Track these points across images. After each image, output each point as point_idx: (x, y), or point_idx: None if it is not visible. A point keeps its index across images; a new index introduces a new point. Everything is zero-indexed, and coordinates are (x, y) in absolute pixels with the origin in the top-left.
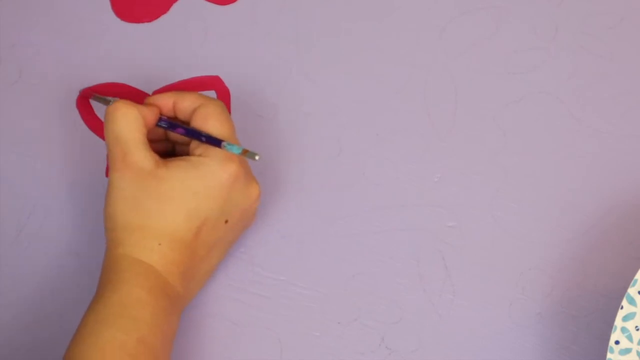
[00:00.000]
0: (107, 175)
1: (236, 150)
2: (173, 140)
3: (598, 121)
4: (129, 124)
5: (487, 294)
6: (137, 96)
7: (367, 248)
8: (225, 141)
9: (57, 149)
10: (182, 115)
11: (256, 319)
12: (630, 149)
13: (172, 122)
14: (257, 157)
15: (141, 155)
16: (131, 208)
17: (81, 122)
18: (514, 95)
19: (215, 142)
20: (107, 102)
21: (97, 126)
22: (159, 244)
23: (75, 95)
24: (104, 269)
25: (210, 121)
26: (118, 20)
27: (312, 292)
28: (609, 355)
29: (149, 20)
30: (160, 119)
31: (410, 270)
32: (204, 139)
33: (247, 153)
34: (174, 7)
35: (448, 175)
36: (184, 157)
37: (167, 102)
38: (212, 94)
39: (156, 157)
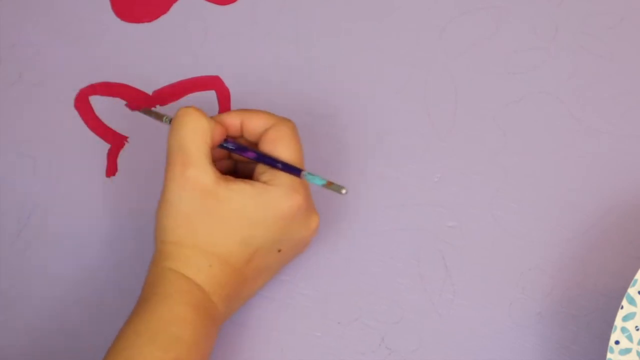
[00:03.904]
0: (107, 175)
1: (319, 181)
2: (235, 158)
3: (598, 121)
4: (196, 132)
5: (487, 293)
6: (137, 96)
7: (367, 248)
8: (305, 171)
9: (57, 149)
10: (250, 135)
11: (257, 319)
12: (630, 149)
13: (241, 145)
14: (343, 191)
15: (202, 169)
16: (186, 224)
17: (81, 122)
18: (514, 95)
19: (293, 170)
20: (161, 118)
21: (97, 126)
22: (210, 265)
23: (75, 95)
24: (148, 281)
25: (282, 144)
26: (118, 20)
27: (312, 292)
28: (609, 355)
29: (149, 20)
30: (226, 141)
31: (411, 270)
32: (279, 166)
33: (331, 186)
34: (174, 7)
35: (448, 175)
36: (248, 180)
37: (234, 122)
38: (212, 94)
39: (218, 173)
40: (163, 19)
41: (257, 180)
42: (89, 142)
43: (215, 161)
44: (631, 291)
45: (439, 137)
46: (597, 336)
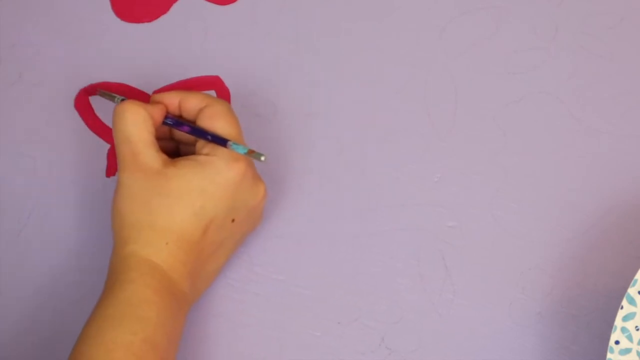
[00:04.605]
0: (107, 175)
1: (242, 150)
2: (177, 139)
3: (598, 121)
4: (138, 124)
5: (487, 293)
6: (137, 96)
7: (367, 248)
8: (231, 141)
9: (57, 149)
10: (187, 114)
11: (256, 319)
12: (630, 149)
13: (177, 120)
14: (262, 158)
15: (150, 156)
16: (139, 206)
17: (81, 122)
18: (514, 95)
19: (221, 141)
20: (113, 98)
21: (96, 126)
22: (167, 243)
23: (74, 95)
24: (110, 268)
25: (217, 121)
26: (118, 20)
27: (312, 292)
28: (609, 355)
29: (149, 20)
30: (165, 117)
31: (411, 270)
32: (209, 137)
33: (252, 154)
34: (174, 7)
35: (448, 175)
36: (191, 156)
37: (173, 101)
38: (212, 94)
39: (164, 156)
40: (163, 19)
41: (199, 154)
42: (89, 142)
43: (158, 140)
44: (631, 291)
45: (439, 137)
46: (597, 336)
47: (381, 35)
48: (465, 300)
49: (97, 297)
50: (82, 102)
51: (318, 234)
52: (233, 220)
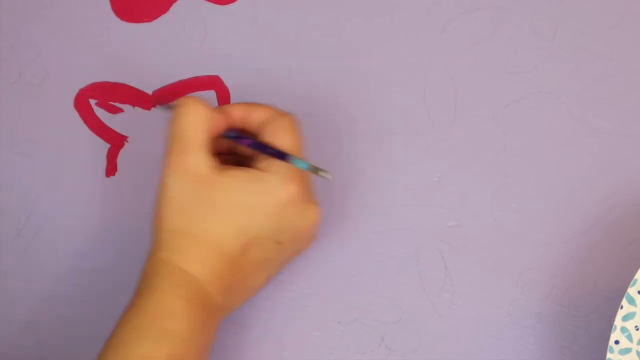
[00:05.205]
0: (107, 175)
1: (304, 165)
2: (241, 154)
3: (598, 121)
4: (196, 121)
5: (487, 294)
6: (137, 96)
7: (367, 248)
8: (293, 155)
9: (57, 149)
10: (251, 127)
11: (256, 319)
12: (630, 149)
13: (239, 134)
14: (330, 177)
15: (199, 157)
16: (180, 212)
17: (81, 122)
18: (514, 95)
19: (282, 156)
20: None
21: (97, 126)
22: (203, 255)
23: (75, 95)
24: (144, 272)
25: (280, 135)
26: (118, 20)
27: (312, 292)
28: (609, 355)
29: (149, 20)
30: (228, 130)
31: (410, 270)
32: (270, 151)
33: (317, 171)
34: (174, 7)
35: (448, 175)
36: (244, 168)
37: (237, 113)
38: (212, 93)
39: (214, 162)
40: (163, 19)
41: (254, 168)
42: (89, 142)
43: (220, 154)
44: (631, 291)
45: (439, 137)
46: (597, 336)
47: (381, 35)
48: (465, 300)
49: (97, 297)
50: (82, 102)
51: (318, 233)
52: (280, 243)
